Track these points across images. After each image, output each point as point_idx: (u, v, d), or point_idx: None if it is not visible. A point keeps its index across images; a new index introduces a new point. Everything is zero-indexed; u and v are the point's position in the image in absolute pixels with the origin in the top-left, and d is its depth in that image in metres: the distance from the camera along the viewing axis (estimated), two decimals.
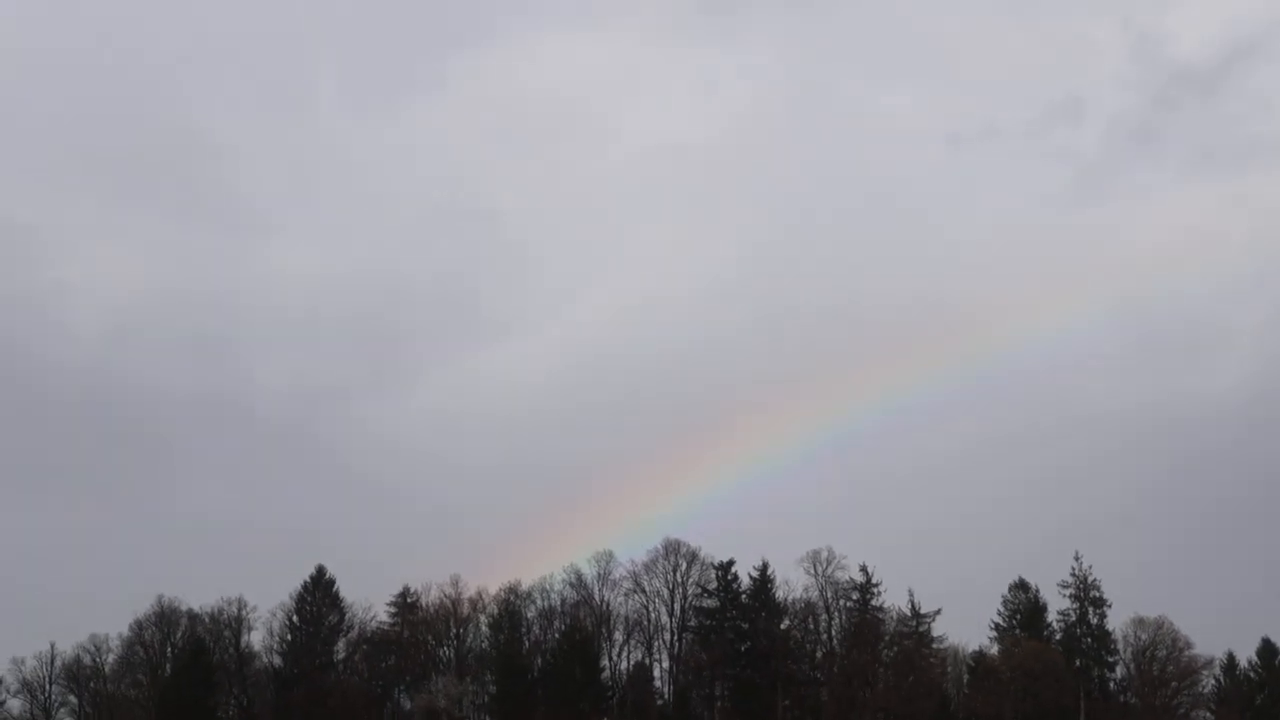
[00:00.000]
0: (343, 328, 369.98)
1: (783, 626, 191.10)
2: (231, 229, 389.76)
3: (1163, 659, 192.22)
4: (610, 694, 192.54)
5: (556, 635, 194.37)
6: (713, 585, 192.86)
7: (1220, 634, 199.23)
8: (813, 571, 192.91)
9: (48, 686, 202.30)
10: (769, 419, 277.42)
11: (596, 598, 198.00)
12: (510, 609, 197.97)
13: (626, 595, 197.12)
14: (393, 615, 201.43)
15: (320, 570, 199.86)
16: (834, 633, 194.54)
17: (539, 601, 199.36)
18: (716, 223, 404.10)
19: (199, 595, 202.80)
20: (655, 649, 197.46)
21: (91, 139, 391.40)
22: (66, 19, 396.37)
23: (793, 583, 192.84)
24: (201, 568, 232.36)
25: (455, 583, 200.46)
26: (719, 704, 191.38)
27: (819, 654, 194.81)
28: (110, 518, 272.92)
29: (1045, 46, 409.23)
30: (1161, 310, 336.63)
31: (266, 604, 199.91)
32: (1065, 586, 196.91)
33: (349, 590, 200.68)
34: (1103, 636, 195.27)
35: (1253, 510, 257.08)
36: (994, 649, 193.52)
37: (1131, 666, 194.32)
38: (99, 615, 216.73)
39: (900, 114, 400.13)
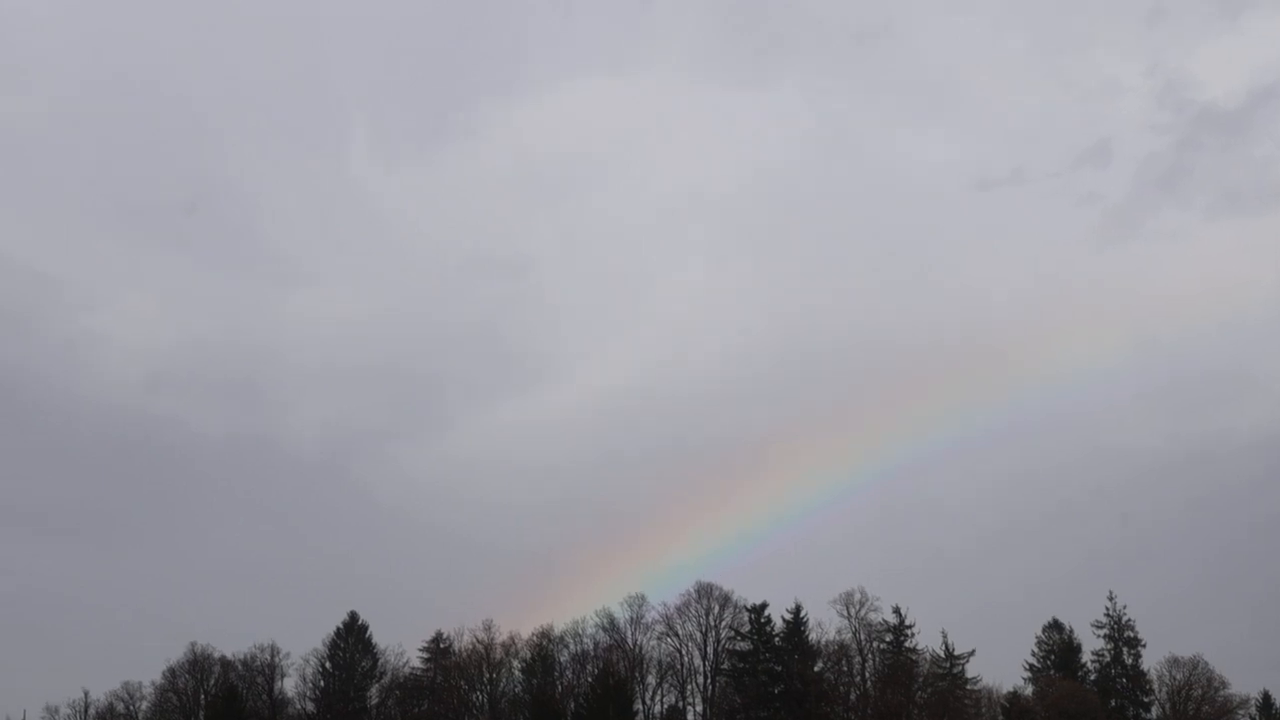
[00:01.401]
0: (374, 374, 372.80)
1: (816, 669, 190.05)
2: (262, 277, 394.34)
3: (1198, 699, 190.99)
4: None
5: (589, 679, 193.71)
6: (745, 628, 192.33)
7: (1253, 671, 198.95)
8: (845, 613, 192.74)
9: None
10: (798, 461, 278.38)
11: (629, 641, 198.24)
12: (543, 653, 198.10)
13: (659, 638, 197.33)
14: (425, 660, 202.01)
15: (353, 616, 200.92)
16: (868, 674, 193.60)
17: (572, 645, 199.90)
18: (744, 270, 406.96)
19: (232, 641, 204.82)
20: (689, 692, 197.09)
21: (122, 189, 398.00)
22: (97, 70, 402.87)
23: (826, 624, 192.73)
24: (234, 613, 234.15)
25: (488, 627, 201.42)
26: None
27: (853, 696, 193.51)
28: (143, 563, 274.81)
29: (1072, 91, 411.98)
30: (1187, 351, 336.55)
31: (299, 649, 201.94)
32: (1099, 627, 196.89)
33: (381, 635, 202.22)
34: (1138, 676, 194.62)
35: (1277, 548, 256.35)
36: (1028, 690, 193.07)
37: (1167, 706, 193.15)
38: (132, 662, 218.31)
39: (928, 159, 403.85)
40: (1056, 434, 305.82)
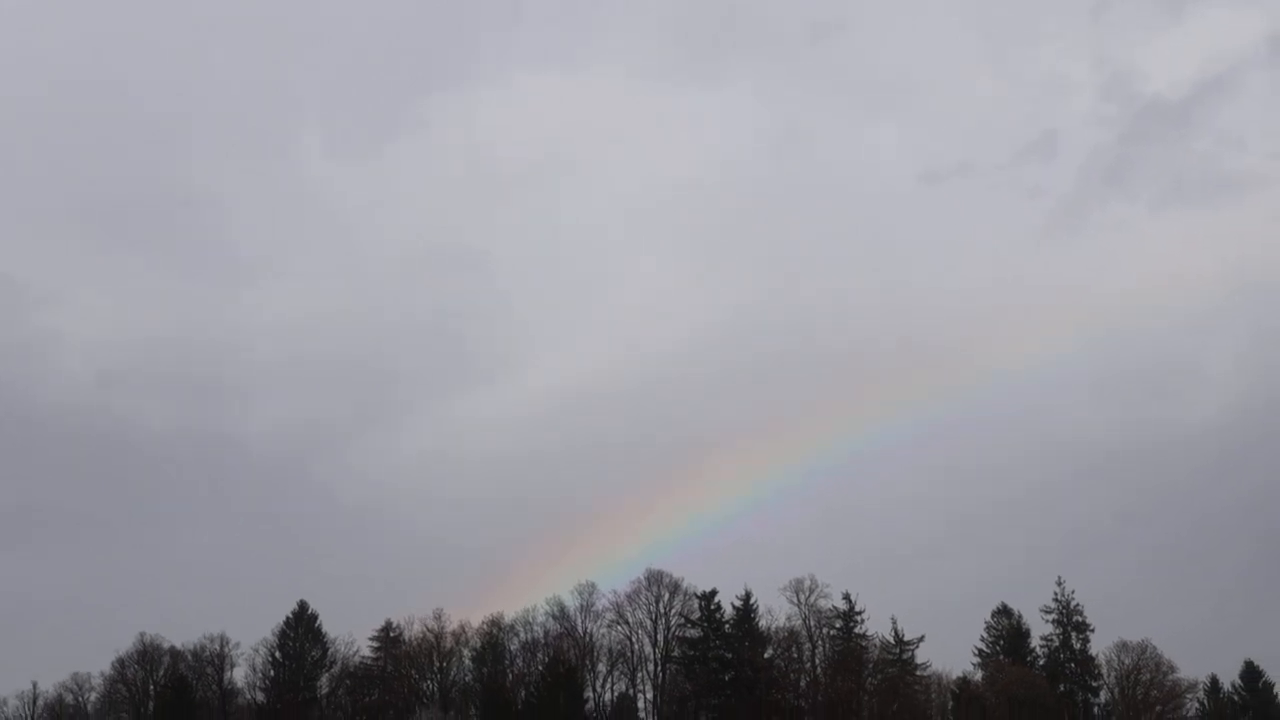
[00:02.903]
0: (330, 370, 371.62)
1: (766, 655, 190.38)
2: (218, 275, 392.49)
3: (1146, 683, 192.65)
4: None
5: (540, 667, 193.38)
6: (696, 615, 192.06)
7: (1203, 657, 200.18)
8: (795, 600, 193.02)
9: None
10: (751, 453, 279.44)
11: (579, 629, 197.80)
12: (493, 641, 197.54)
13: (609, 626, 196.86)
14: (375, 649, 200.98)
15: (303, 605, 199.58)
16: (818, 661, 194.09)
17: (522, 634, 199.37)
18: (699, 265, 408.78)
19: (181, 632, 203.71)
20: (639, 680, 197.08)
21: (78, 189, 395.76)
22: (51, 70, 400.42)
23: (776, 611, 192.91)
24: (185, 605, 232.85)
25: (438, 616, 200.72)
26: None
27: (803, 683, 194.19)
28: (94, 556, 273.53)
29: (1019, 85, 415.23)
30: (1136, 342, 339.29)
31: (249, 640, 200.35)
32: (1048, 612, 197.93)
33: (332, 625, 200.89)
34: (1086, 661, 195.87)
35: (1227, 537, 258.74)
36: (978, 675, 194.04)
37: (1115, 691, 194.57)
38: (81, 653, 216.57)
39: (878, 153, 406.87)
40: (1006, 424, 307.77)
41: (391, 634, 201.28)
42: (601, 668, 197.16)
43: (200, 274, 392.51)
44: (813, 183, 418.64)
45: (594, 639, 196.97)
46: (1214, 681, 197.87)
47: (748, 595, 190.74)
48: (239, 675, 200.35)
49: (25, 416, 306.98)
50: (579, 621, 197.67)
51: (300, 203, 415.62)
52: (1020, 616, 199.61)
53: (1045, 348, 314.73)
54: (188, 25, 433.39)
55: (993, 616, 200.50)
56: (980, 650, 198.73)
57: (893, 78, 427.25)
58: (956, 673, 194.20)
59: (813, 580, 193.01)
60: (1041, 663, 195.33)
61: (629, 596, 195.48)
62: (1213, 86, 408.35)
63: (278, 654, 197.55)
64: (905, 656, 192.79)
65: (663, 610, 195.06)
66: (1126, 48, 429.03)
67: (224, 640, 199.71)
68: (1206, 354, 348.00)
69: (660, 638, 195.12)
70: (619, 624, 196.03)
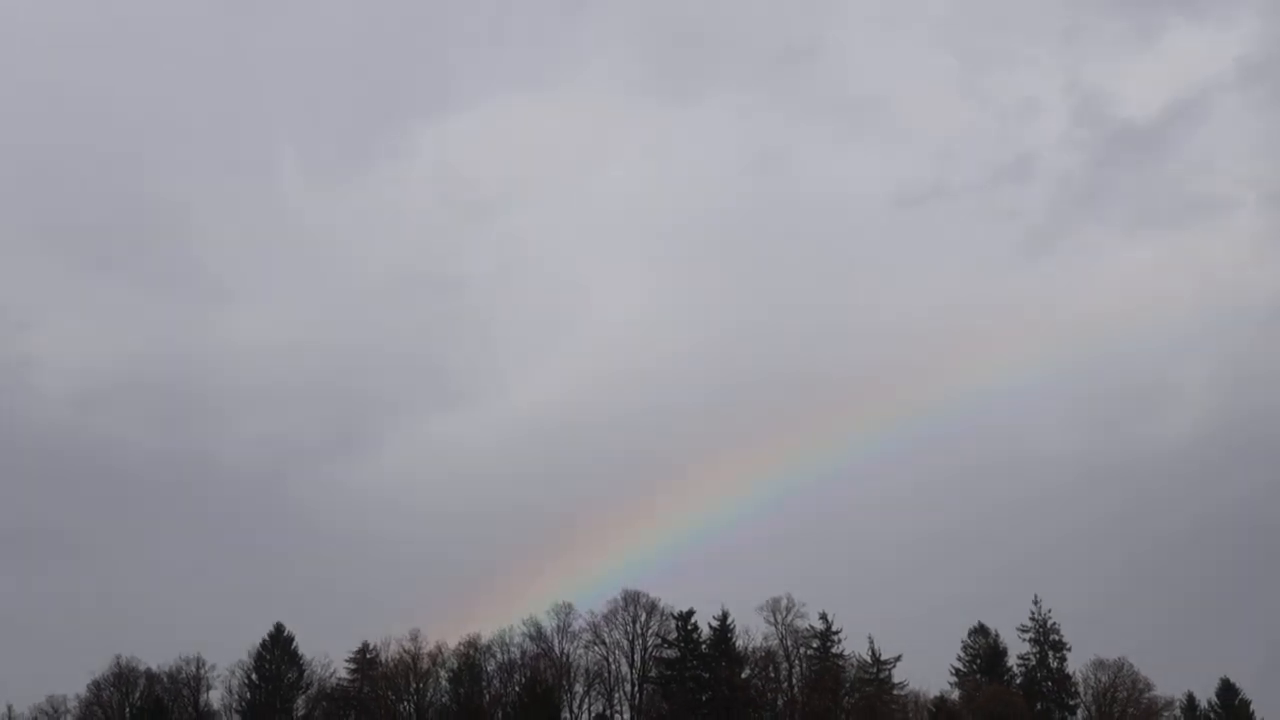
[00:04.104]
0: (305, 393, 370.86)
1: (744, 675, 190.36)
2: (195, 297, 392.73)
3: (1123, 700, 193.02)
4: None
5: (517, 688, 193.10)
6: (673, 635, 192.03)
7: (1180, 675, 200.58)
8: (773, 620, 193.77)
9: None
10: (726, 472, 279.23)
11: (556, 650, 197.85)
12: (470, 662, 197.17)
13: (586, 647, 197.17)
14: (352, 671, 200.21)
15: (279, 627, 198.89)
16: (795, 680, 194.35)
17: (499, 654, 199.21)
18: (675, 286, 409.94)
19: (157, 654, 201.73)
20: (616, 700, 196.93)
21: (56, 212, 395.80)
22: (31, 92, 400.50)
23: (753, 631, 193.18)
24: (161, 626, 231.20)
25: (414, 637, 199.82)
26: None
27: (780, 702, 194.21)
28: (70, 577, 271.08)
29: (992, 108, 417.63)
30: (1109, 362, 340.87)
31: (225, 662, 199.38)
32: (1025, 630, 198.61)
33: (309, 647, 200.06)
34: (1063, 679, 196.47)
35: (1202, 555, 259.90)
36: (955, 694, 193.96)
37: (1093, 709, 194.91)
38: (57, 675, 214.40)
39: (852, 175, 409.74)
40: (980, 445, 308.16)
41: (368, 655, 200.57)
42: (579, 688, 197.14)
43: (177, 297, 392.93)
44: (787, 204, 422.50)
45: (571, 659, 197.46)
46: (1190, 699, 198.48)
47: (725, 615, 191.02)
48: (215, 698, 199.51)
49: (2, 437, 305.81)
50: (556, 642, 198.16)
51: (278, 226, 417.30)
52: (997, 635, 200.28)
53: (1019, 367, 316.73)
54: (164, 48, 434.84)
55: (969, 635, 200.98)
56: (957, 669, 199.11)
57: (867, 100, 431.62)
58: (934, 692, 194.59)
59: (789, 600, 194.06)
60: (1019, 681, 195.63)
61: (606, 617, 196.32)
62: (1183, 111, 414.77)
63: (254, 676, 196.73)
64: (882, 675, 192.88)
65: (640, 630, 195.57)
66: (1099, 72, 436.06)
67: (200, 662, 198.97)
68: (1179, 373, 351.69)
69: (637, 658, 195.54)
70: (596, 644, 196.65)
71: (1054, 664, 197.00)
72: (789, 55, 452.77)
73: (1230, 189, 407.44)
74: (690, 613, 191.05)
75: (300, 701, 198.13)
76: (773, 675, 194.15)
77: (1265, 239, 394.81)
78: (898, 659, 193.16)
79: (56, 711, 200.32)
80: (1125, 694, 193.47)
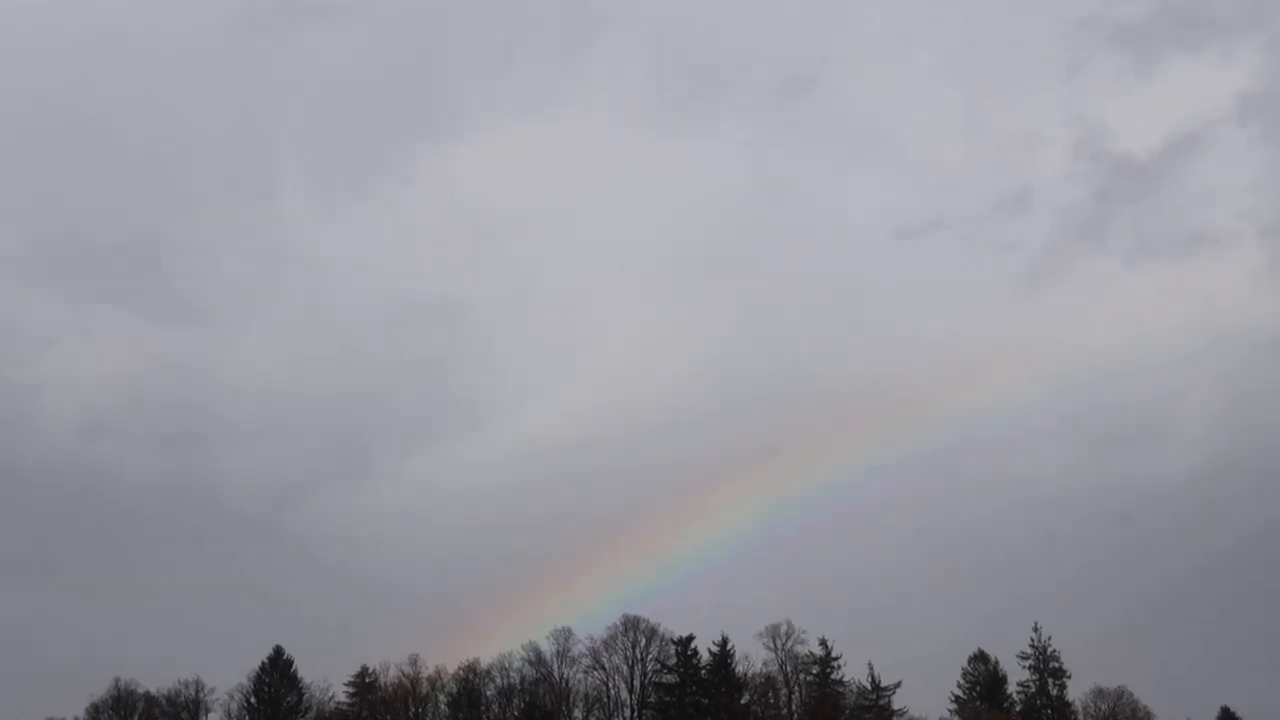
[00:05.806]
0: (311, 419, 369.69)
1: (743, 701, 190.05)
2: (200, 324, 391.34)
3: None
4: None
5: (516, 713, 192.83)
6: (672, 660, 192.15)
7: (1179, 704, 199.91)
8: (772, 646, 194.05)
9: None
10: (726, 498, 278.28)
11: (556, 675, 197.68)
12: (469, 687, 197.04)
13: (586, 672, 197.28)
14: (351, 695, 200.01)
15: (278, 651, 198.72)
16: (794, 707, 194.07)
17: (498, 679, 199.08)
18: (678, 315, 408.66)
19: (156, 678, 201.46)
20: None
21: (59, 239, 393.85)
22: (32, 120, 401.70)
23: (753, 657, 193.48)
24: (161, 651, 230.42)
25: (414, 661, 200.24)
26: None
27: None
28: (71, 603, 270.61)
29: (993, 140, 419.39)
30: (1112, 394, 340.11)
31: (225, 685, 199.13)
32: (1025, 658, 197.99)
33: (308, 671, 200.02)
34: (1063, 707, 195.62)
35: (1203, 585, 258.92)
36: None
37: None
38: (56, 699, 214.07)
39: (854, 205, 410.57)
40: (983, 472, 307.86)
41: (367, 680, 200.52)
42: (578, 714, 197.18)
43: (182, 322, 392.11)
44: (790, 233, 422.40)
45: (570, 684, 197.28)
46: None
47: (724, 641, 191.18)
48: None
49: (4, 467, 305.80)
50: (555, 667, 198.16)
51: (282, 254, 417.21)
52: (997, 662, 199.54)
53: (1021, 398, 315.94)
54: (171, 74, 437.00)
55: (969, 662, 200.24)
56: (957, 696, 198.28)
57: (869, 131, 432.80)
58: (933, 718, 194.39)
59: (789, 626, 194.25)
60: (1018, 709, 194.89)
61: (605, 642, 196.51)
62: (1183, 144, 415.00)
63: (253, 700, 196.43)
64: (882, 702, 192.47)
65: (639, 656, 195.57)
66: (1099, 105, 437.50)
67: (199, 685, 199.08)
68: (1181, 406, 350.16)
69: (637, 683, 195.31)
70: (595, 669, 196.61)
71: (1054, 691, 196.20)
72: (792, 87, 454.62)
73: (1230, 222, 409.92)
74: (690, 638, 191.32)
75: None
76: (772, 701, 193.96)
77: (1265, 272, 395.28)
78: (897, 685, 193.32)
79: None
80: None
